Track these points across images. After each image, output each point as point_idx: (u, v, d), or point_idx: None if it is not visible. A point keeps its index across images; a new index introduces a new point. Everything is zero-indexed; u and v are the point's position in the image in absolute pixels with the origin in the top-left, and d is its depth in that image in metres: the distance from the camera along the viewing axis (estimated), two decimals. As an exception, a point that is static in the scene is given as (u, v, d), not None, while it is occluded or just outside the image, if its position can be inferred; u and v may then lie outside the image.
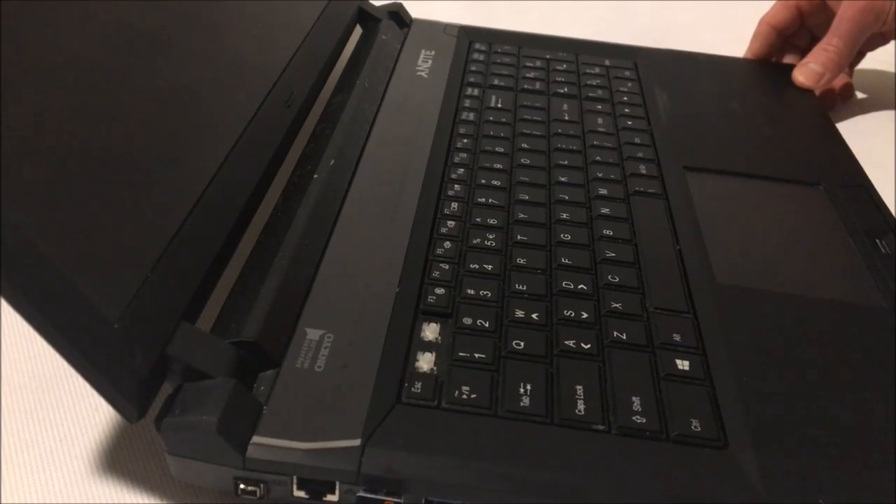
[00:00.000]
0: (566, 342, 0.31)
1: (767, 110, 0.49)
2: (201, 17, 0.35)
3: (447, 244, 0.35)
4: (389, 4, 0.55)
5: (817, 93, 0.52)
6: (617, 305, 0.33)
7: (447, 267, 0.34)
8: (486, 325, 0.31)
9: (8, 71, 0.24)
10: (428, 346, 0.30)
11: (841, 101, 0.55)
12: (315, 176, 0.37)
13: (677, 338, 0.31)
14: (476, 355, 0.30)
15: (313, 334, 0.30)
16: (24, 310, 0.22)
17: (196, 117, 0.33)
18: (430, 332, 0.31)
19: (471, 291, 0.33)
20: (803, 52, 0.54)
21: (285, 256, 0.32)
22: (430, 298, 0.32)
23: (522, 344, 0.30)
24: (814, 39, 0.55)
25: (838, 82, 0.54)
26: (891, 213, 0.40)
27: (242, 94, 0.37)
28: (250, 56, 0.39)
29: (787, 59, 0.56)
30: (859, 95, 0.57)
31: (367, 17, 0.53)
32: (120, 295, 0.25)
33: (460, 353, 0.30)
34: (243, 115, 0.36)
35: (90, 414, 0.31)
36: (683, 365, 0.30)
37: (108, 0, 0.29)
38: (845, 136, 0.48)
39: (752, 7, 0.58)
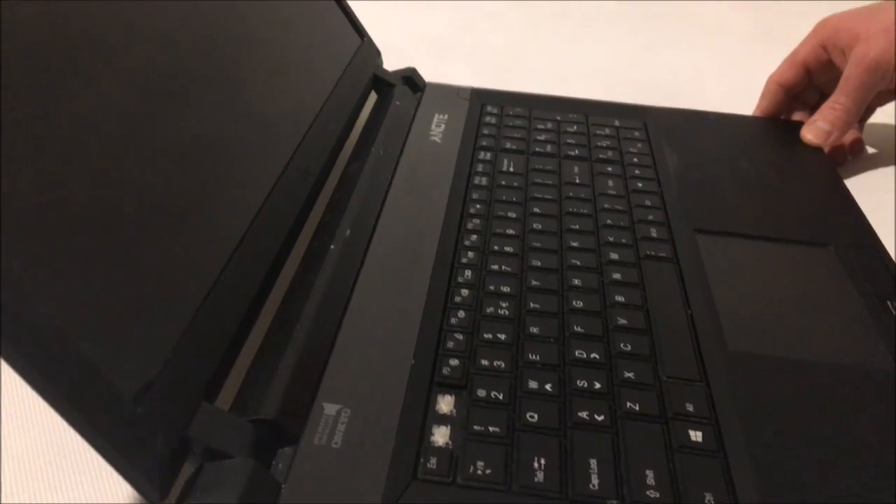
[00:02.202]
0: (579, 414, 0.31)
1: (777, 169, 0.50)
2: (223, 84, 0.36)
3: (461, 313, 0.36)
4: (403, 69, 0.56)
5: (826, 150, 0.53)
6: (629, 375, 0.33)
7: (461, 337, 0.34)
8: (500, 396, 0.32)
9: (25, 142, 0.25)
10: (443, 420, 0.31)
11: (851, 156, 0.55)
12: (331, 247, 0.38)
13: (690, 408, 0.32)
14: (490, 429, 0.30)
15: (330, 409, 0.30)
16: (47, 392, 0.23)
17: (219, 189, 0.34)
18: (445, 404, 0.31)
19: (485, 362, 0.33)
20: (812, 109, 0.55)
21: (302, 330, 0.33)
22: (445, 370, 0.33)
23: (536, 416, 0.31)
24: (822, 96, 0.55)
25: (848, 138, 0.55)
26: (902, 275, 0.41)
27: (263, 164, 0.38)
28: (270, 125, 0.40)
29: (797, 116, 0.57)
30: (870, 150, 0.57)
31: (382, 83, 0.54)
32: (142, 377, 0.26)
33: (475, 427, 0.30)
34: (264, 186, 0.37)
35: (112, 489, 0.32)
36: (696, 436, 0.30)
37: (127, 61, 0.30)
38: (855, 192, 0.48)
39: (762, 63, 0.59)
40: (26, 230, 0.24)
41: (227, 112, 0.37)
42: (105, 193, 0.27)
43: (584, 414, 0.31)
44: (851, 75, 0.51)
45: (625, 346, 0.34)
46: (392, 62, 0.58)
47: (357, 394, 0.31)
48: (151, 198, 0.30)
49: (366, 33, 0.55)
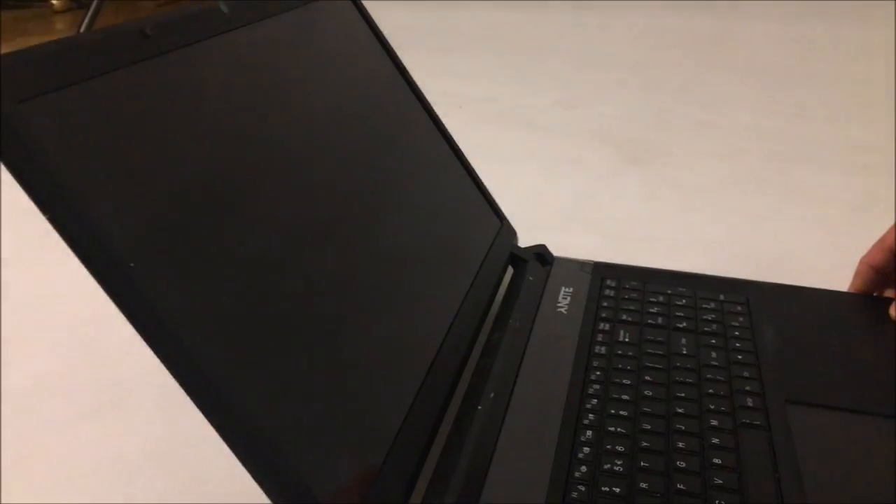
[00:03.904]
0: (680, 561, 0.39)
1: (865, 344, 0.56)
2: (397, 273, 0.48)
3: (583, 468, 0.44)
4: (535, 246, 0.67)
5: (915, 325, 0.59)
6: (723, 530, 0.40)
7: (583, 489, 0.43)
8: (615, 543, 0.40)
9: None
10: (568, 558, 0.39)
11: (941, 330, 0.61)
12: (479, 408, 0.48)
13: (773, 563, 0.39)
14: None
15: (481, 543, 0.39)
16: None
17: (389, 361, 0.44)
18: (570, 545, 0.40)
19: (602, 513, 0.41)
20: (903, 287, 0.62)
21: (458, 478, 0.42)
22: (570, 521, 0.41)
23: (644, 561, 0.39)
24: (913, 275, 0.62)
25: (936, 314, 0.61)
26: (975, 449, 0.46)
27: (433, 330, 0.49)
28: (434, 296, 0.51)
29: (888, 293, 0.63)
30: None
31: (517, 259, 0.65)
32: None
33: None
34: (431, 349, 0.48)
35: None
36: (777, 586, 0.37)
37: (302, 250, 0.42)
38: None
39: (865, 235, 0.65)
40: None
41: (401, 294, 0.48)
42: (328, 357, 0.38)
43: (683, 561, 0.39)
44: (934, 262, 0.58)
45: (719, 503, 0.42)
46: (523, 234, 0.68)
47: (501, 532, 0.40)
48: (356, 360, 0.41)
49: (504, 217, 0.67)
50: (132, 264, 0.30)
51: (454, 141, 0.64)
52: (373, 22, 0.60)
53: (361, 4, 0.59)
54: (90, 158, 0.31)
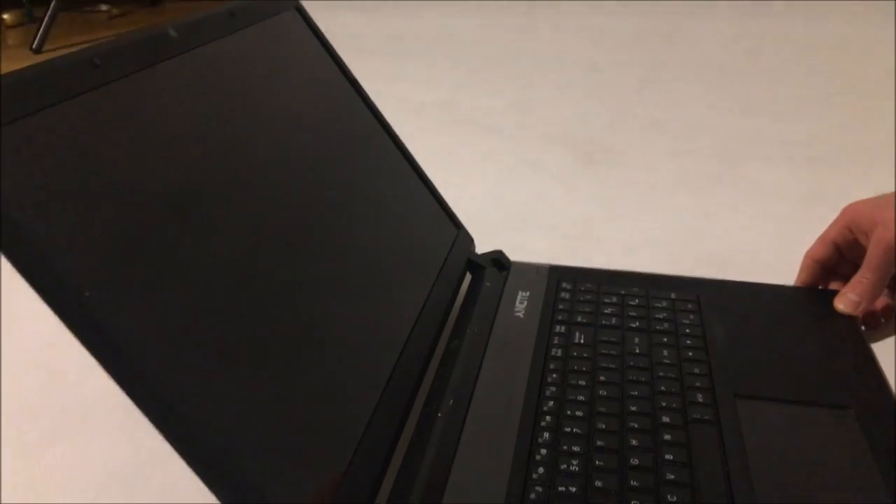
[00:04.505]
0: (632, 554, 0.40)
1: (811, 337, 0.59)
2: (361, 281, 0.49)
3: (541, 469, 0.46)
4: (492, 252, 0.68)
5: (860, 316, 0.61)
6: (674, 522, 0.42)
7: (541, 489, 0.44)
8: (571, 540, 0.41)
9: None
10: (527, 557, 0.40)
11: (884, 320, 0.64)
12: (438, 415, 0.49)
13: (720, 550, 0.40)
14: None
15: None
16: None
17: (349, 372, 0.45)
18: (529, 545, 0.41)
19: (559, 510, 0.43)
20: (846, 279, 0.64)
21: (419, 486, 0.43)
22: (528, 518, 0.43)
23: (599, 555, 0.40)
24: (856, 267, 0.64)
25: (879, 303, 0.63)
26: (913, 433, 0.49)
27: (392, 339, 0.50)
28: (392, 305, 0.52)
29: (833, 286, 0.65)
30: (902, 313, 0.65)
31: (475, 266, 0.66)
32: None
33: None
34: (391, 359, 0.49)
35: None
36: (725, 573, 0.39)
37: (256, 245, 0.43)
38: (885, 354, 0.57)
39: (814, 228, 0.67)
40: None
41: (359, 303, 0.49)
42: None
43: (636, 554, 0.40)
44: (873, 255, 0.60)
45: (672, 497, 0.44)
46: (480, 239, 0.70)
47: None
48: (322, 371, 0.42)
49: (461, 224, 0.68)
50: (87, 294, 0.31)
51: (407, 149, 0.65)
52: (321, 34, 0.60)
53: (309, 17, 0.60)
54: (41, 189, 0.32)
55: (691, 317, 0.61)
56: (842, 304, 0.61)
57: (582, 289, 0.65)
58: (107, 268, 0.33)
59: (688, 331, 0.59)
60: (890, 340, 0.62)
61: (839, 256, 0.65)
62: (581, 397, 0.52)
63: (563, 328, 0.60)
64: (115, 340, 0.31)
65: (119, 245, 0.34)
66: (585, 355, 0.56)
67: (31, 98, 0.33)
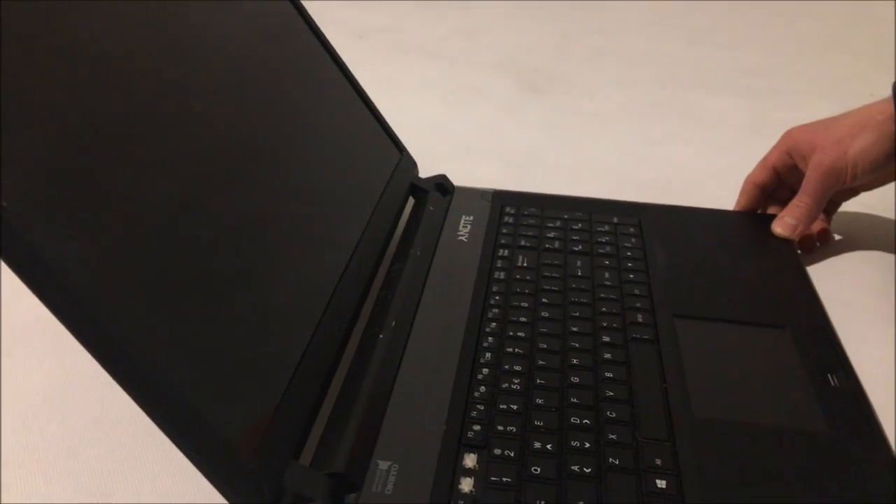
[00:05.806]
0: (573, 467, 0.41)
1: (749, 259, 0.59)
2: (299, 206, 0.47)
3: (482, 388, 0.46)
4: (435, 176, 0.67)
5: (796, 240, 0.62)
6: (613, 437, 0.43)
7: (482, 407, 0.44)
8: (512, 454, 0.41)
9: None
10: (468, 472, 0.41)
11: (820, 244, 0.65)
12: (380, 336, 0.48)
13: (658, 462, 0.41)
14: (504, 479, 0.40)
15: (383, 465, 0.40)
16: (188, 454, 0.33)
17: (289, 294, 0.44)
18: (470, 460, 0.41)
19: (500, 428, 0.43)
20: (784, 204, 0.65)
21: (361, 404, 0.43)
22: (470, 434, 0.43)
23: (539, 469, 0.41)
24: (793, 192, 0.65)
25: (815, 227, 0.64)
26: (843, 351, 0.50)
27: (328, 267, 0.49)
28: (330, 235, 0.51)
29: (771, 210, 0.66)
30: (836, 237, 0.67)
31: (418, 190, 0.65)
32: (253, 442, 0.36)
33: (492, 478, 0.40)
34: (330, 284, 0.48)
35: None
36: (662, 484, 0.40)
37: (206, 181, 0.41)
38: (820, 276, 0.58)
39: (755, 155, 0.68)
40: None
41: (300, 228, 0.48)
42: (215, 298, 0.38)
43: (576, 467, 0.41)
44: (811, 179, 0.61)
45: (611, 413, 0.44)
46: (424, 165, 0.68)
47: (403, 453, 0.41)
48: (252, 296, 0.40)
49: (404, 148, 0.67)
50: (4, 203, 0.29)
51: (351, 73, 0.63)
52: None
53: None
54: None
55: (633, 240, 0.61)
56: (779, 227, 0.62)
57: (525, 213, 0.65)
58: (33, 185, 0.31)
59: (629, 254, 0.59)
60: (825, 263, 0.63)
61: (778, 181, 0.65)
62: (523, 318, 0.52)
63: (506, 252, 0.60)
64: (38, 256, 0.30)
65: (47, 164, 0.32)
66: (528, 278, 0.56)
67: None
